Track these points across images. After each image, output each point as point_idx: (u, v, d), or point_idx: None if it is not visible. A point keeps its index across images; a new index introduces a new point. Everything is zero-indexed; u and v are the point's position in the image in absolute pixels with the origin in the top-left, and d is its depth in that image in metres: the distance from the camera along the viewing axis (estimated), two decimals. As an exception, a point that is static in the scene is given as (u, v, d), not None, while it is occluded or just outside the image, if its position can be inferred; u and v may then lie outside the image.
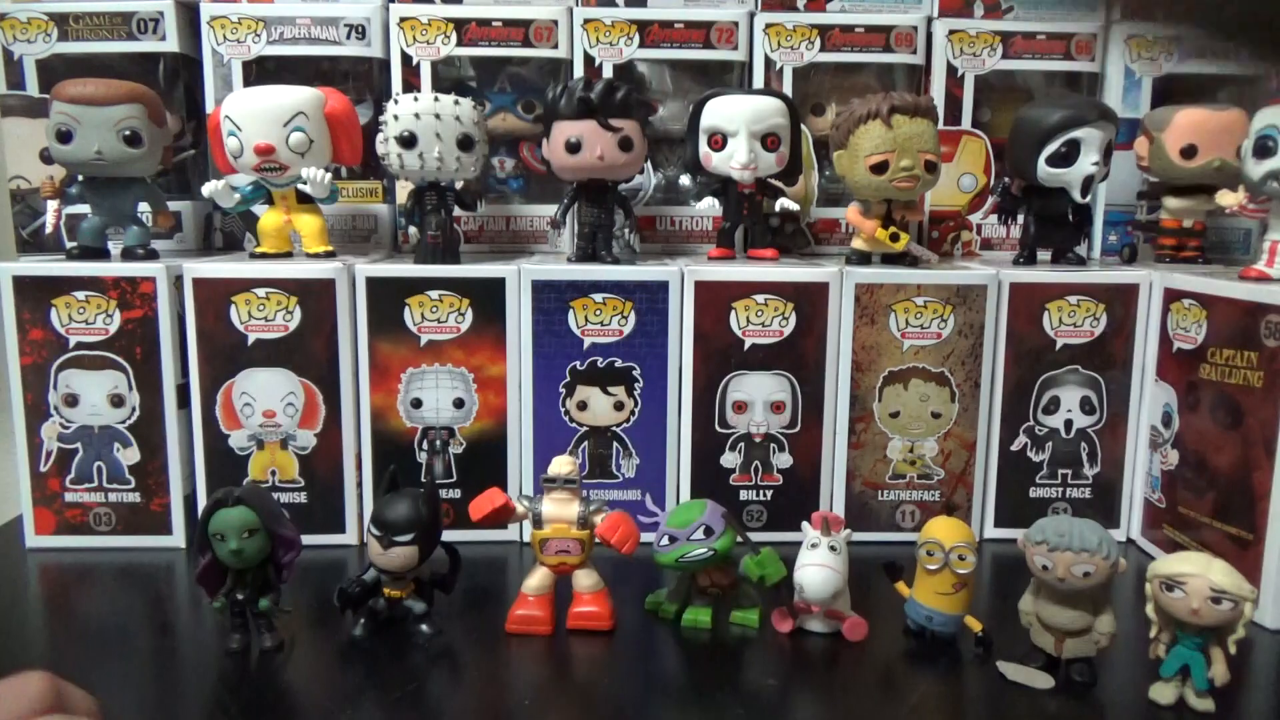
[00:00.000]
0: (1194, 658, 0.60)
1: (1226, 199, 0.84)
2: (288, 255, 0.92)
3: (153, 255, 0.88)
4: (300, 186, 0.90)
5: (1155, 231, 1.02)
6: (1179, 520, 0.85)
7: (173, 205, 1.00)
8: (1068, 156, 0.89)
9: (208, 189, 0.89)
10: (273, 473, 0.87)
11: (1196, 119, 0.95)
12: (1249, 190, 0.81)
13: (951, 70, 1.05)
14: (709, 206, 0.95)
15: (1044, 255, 0.97)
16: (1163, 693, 0.61)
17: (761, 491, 0.89)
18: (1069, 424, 0.90)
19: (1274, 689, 0.67)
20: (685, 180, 0.99)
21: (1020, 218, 0.98)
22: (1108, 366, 0.89)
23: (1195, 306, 0.83)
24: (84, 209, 0.89)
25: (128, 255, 0.88)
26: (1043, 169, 0.90)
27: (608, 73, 1.02)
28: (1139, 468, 0.91)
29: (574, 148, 0.86)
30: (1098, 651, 0.63)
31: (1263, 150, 0.77)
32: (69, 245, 0.89)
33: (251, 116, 0.86)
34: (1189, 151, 0.95)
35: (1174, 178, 0.98)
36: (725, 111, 0.90)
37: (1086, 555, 0.60)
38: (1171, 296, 0.86)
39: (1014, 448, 0.91)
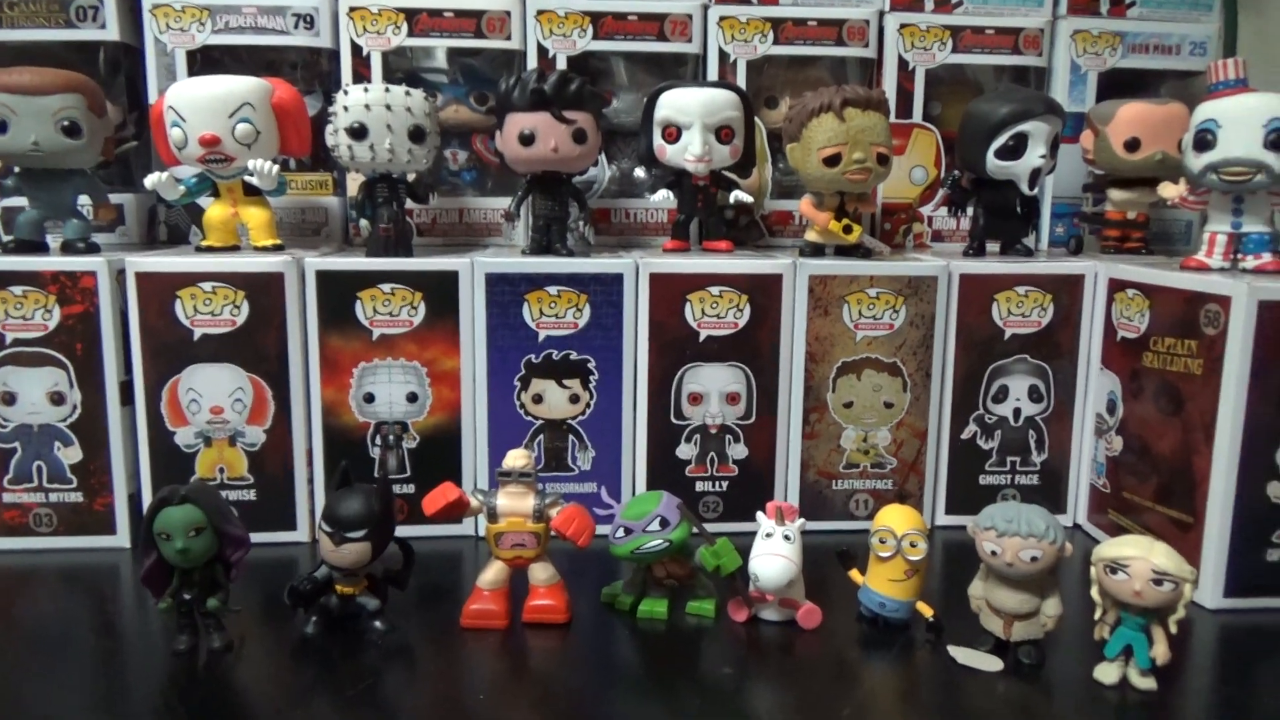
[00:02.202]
0: (1137, 638, 0.61)
1: (1168, 191, 0.86)
2: (235, 249, 0.90)
3: (94, 249, 0.86)
4: (247, 179, 0.89)
5: (1100, 223, 1.04)
6: (1123, 505, 0.87)
7: (115, 198, 0.98)
8: (1016, 149, 0.91)
9: (150, 181, 0.87)
10: (221, 470, 0.85)
11: (1140, 113, 0.97)
12: (1189, 182, 0.83)
13: (903, 64, 1.06)
14: (663, 199, 0.95)
15: (993, 247, 0.99)
16: (1107, 672, 0.62)
17: (717, 482, 0.89)
18: (1017, 412, 0.92)
19: (1212, 666, 0.69)
20: (640, 173, 0.99)
21: (970, 210, 0.99)
22: (1055, 355, 0.91)
23: (1138, 296, 0.85)
24: (21, 201, 0.86)
25: (67, 249, 0.85)
26: (991, 162, 0.91)
27: (561, 65, 1.01)
28: (1085, 454, 0.93)
29: (527, 140, 0.85)
30: (1045, 634, 0.64)
31: (1202, 144, 0.79)
32: (5, 239, 0.86)
33: (196, 107, 0.85)
34: (1132, 145, 0.97)
35: (1118, 170, 1.00)
36: (679, 104, 0.90)
37: (1034, 540, 0.61)
38: (1116, 287, 0.88)
39: (964, 436, 0.92)
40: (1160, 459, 0.81)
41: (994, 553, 0.62)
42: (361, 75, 1.00)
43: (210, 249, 0.89)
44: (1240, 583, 0.75)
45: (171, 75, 0.98)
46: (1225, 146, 0.77)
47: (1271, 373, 0.72)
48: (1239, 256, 0.80)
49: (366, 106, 0.83)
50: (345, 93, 0.85)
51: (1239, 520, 0.74)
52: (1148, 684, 0.61)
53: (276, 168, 0.87)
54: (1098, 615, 0.63)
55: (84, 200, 0.89)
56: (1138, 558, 0.60)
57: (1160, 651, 0.61)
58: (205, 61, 1.00)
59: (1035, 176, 0.91)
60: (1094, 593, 0.63)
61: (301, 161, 1.02)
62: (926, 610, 0.68)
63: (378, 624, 0.68)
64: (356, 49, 1.00)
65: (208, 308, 0.83)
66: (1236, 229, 0.80)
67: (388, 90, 0.84)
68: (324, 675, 0.63)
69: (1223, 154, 0.77)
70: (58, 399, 0.83)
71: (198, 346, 0.83)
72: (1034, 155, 0.90)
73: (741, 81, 1.02)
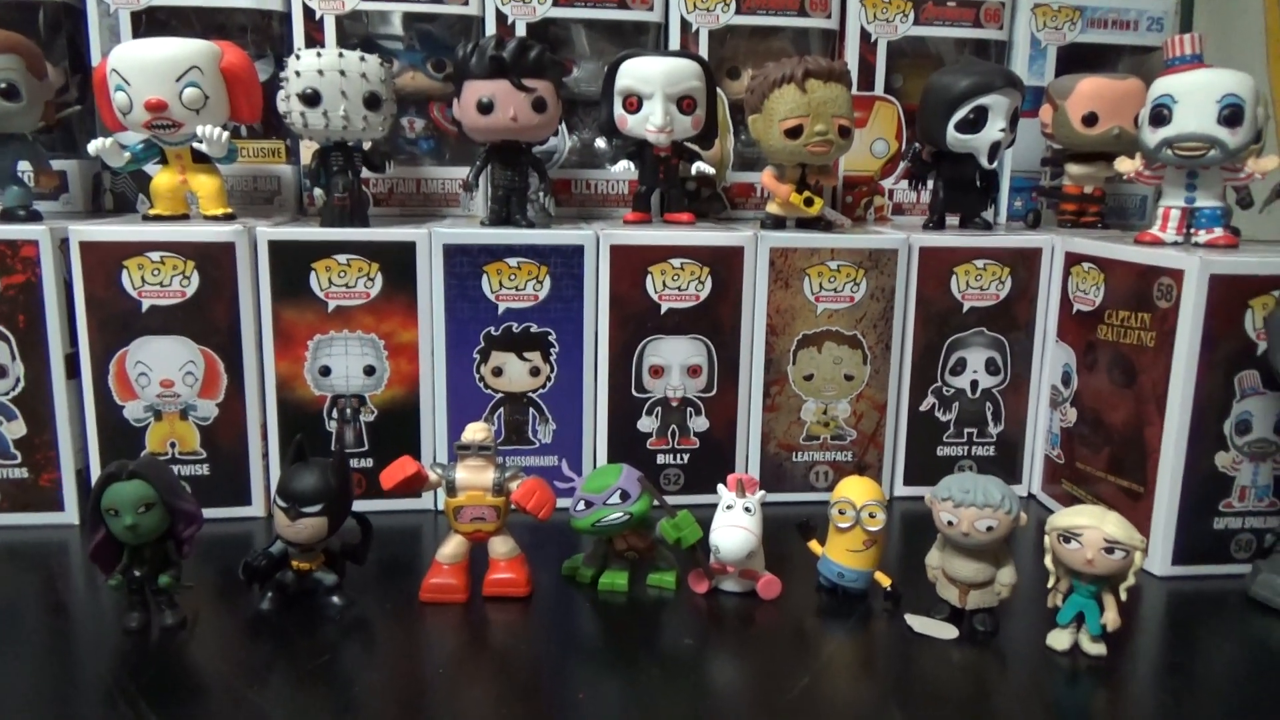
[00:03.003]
0: (1088, 605, 0.62)
1: (1124, 165, 0.87)
2: (184, 218, 0.88)
3: (35, 217, 0.83)
4: (196, 145, 0.86)
5: (1058, 197, 1.05)
6: (1076, 475, 0.88)
7: (58, 164, 0.95)
8: (975, 123, 0.91)
9: (94, 147, 0.84)
10: (172, 444, 0.83)
11: (1098, 87, 0.98)
12: (1145, 157, 0.83)
13: (865, 35, 1.06)
14: (624, 170, 0.94)
15: (952, 220, 0.99)
16: (1059, 639, 0.64)
17: (678, 455, 0.89)
18: (975, 384, 0.93)
19: (1160, 632, 0.70)
20: (600, 143, 0.98)
21: (930, 183, 0.99)
22: (1012, 328, 0.92)
23: (1094, 270, 0.86)
24: (-43, 167, 0.83)
25: (7, 217, 0.82)
26: (951, 135, 0.92)
27: (520, 31, 0.99)
28: (1040, 426, 0.94)
29: (486, 108, 0.84)
30: (999, 602, 0.65)
31: (1158, 119, 0.79)
32: (-59, 206, 0.83)
33: (141, 70, 0.82)
34: (1090, 119, 0.98)
35: (1076, 145, 1.01)
36: (641, 73, 0.89)
37: (990, 510, 0.62)
38: (1072, 260, 0.89)
39: (923, 408, 0.93)
40: (1113, 430, 0.83)
41: (950, 523, 0.63)
42: (314, 40, 0.97)
43: (158, 218, 0.86)
44: (1188, 550, 0.77)
45: (115, 37, 0.95)
46: (1180, 122, 0.78)
47: (1222, 345, 0.74)
48: (1192, 231, 0.81)
49: (320, 72, 0.81)
50: (297, 57, 0.82)
51: (1188, 490, 0.76)
52: (1098, 650, 0.63)
53: (226, 134, 0.85)
54: (1051, 583, 0.64)
55: (24, 166, 0.86)
56: (1090, 527, 0.61)
57: (1111, 618, 0.62)
58: (150, 23, 0.97)
59: (995, 150, 0.92)
60: (1047, 561, 0.64)
61: (252, 128, 0.99)
62: (884, 580, 0.69)
63: (335, 599, 0.67)
64: (309, 12, 0.97)
65: (156, 278, 0.80)
66: (1190, 204, 0.81)
67: (342, 55, 0.82)
68: (280, 651, 0.62)
69: (1177, 129, 0.78)
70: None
71: (146, 318, 0.81)
72: (993, 129, 0.91)
73: (703, 51, 1.02)
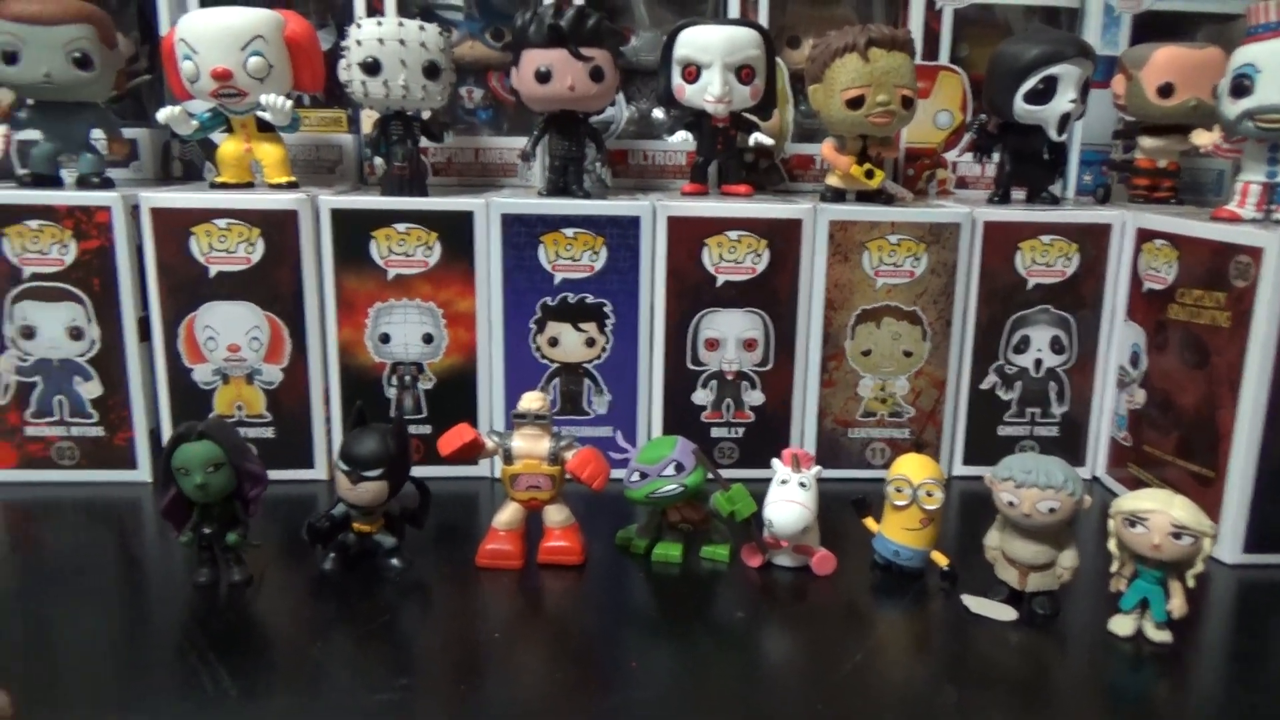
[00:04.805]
0: (1153, 591, 0.61)
1: (1202, 138, 0.83)
2: (249, 185, 0.89)
3: (108, 184, 0.85)
4: (260, 114, 0.87)
5: (1130, 171, 1.01)
6: (1143, 459, 0.86)
7: (129, 132, 0.97)
8: (1045, 93, 0.88)
9: (163, 115, 0.86)
10: (239, 407, 0.86)
11: (1174, 57, 0.94)
12: (1224, 130, 0.80)
13: (930, 3, 1.03)
14: (682, 141, 0.93)
15: (1019, 194, 0.96)
16: (1122, 625, 0.62)
17: (733, 429, 0.89)
18: (1039, 363, 0.91)
19: (1229, 621, 0.68)
20: (658, 113, 0.97)
21: (996, 156, 0.97)
22: (1078, 306, 0.90)
23: (1166, 247, 0.83)
24: (37, 135, 0.85)
25: (82, 184, 0.85)
26: (1019, 106, 0.89)
27: (578, 0, 0.98)
28: (1106, 407, 0.92)
29: (544, 77, 0.84)
30: (1060, 585, 0.64)
31: (1239, 89, 0.76)
32: (20, 172, 0.85)
33: (207, 39, 0.83)
34: (1166, 90, 0.94)
35: (1150, 117, 0.97)
36: (699, 42, 0.88)
37: (1052, 492, 0.61)
38: (1144, 237, 0.87)
39: (984, 386, 0.91)
40: (1183, 412, 0.80)
41: (1011, 503, 0.62)
42: (375, 9, 0.98)
43: (224, 185, 0.88)
44: (1261, 538, 0.74)
45: (183, 6, 0.96)
46: (1263, 92, 0.74)
47: (1301, 326, 0.71)
48: (1272, 207, 0.78)
49: (380, 41, 0.81)
50: (358, 26, 0.83)
51: (1262, 475, 0.73)
52: (1163, 637, 0.61)
53: (290, 103, 0.86)
54: (1114, 568, 0.63)
55: (97, 134, 0.89)
56: (1157, 511, 0.59)
57: (1177, 605, 0.60)
58: (217, -7, 0.98)
59: (1064, 122, 0.89)
60: (1111, 545, 0.62)
61: (315, 97, 1.01)
62: (941, 559, 0.68)
63: (394, 561, 0.69)
64: (371, -19, 0.98)
65: (223, 245, 0.82)
66: (1271, 179, 0.78)
67: (402, 25, 0.82)
68: (342, 610, 0.64)
69: (1260, 100, 0.75)
70: (76, 334, 0.83)
71: (213, 284, 0.83)
72: (1063, 100, 0.88)
73: (764, 20, 1.00)
